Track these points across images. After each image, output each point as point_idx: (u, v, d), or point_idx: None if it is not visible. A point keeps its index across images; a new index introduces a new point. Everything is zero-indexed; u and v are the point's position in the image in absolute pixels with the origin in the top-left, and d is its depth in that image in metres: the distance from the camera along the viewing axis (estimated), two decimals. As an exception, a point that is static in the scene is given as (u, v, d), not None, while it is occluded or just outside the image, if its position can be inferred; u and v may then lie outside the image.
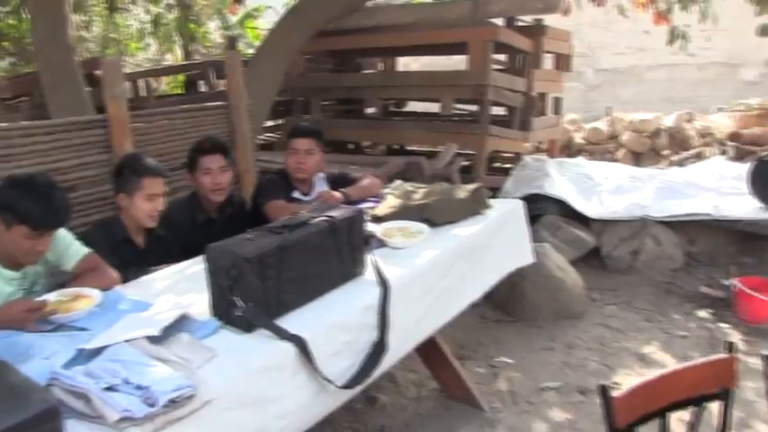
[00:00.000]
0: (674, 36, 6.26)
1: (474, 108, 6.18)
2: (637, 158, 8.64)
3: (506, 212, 3.27)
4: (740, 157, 6.63)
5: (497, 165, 6.70)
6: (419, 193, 3.16)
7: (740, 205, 5.07)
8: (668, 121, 8.94)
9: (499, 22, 6.21)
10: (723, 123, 8.73)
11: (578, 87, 13.80)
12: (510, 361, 3.80)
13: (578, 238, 5.03)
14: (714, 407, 1.84)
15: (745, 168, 5.22)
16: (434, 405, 3.38)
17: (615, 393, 1.65)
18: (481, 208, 3.11)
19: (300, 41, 5.44)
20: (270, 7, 11.13)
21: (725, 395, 1.82)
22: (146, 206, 2.80)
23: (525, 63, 6.10)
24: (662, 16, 6.59)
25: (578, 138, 9.35)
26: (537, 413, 3.30)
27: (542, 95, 6.91)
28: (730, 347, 1.83)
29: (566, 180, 5.62)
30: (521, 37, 5.88)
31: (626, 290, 4.76)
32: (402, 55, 7.43)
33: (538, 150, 7.55)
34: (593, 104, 12.51)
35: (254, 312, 1.91)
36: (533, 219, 5.34)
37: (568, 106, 10.19)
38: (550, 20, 6.29)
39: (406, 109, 7.96)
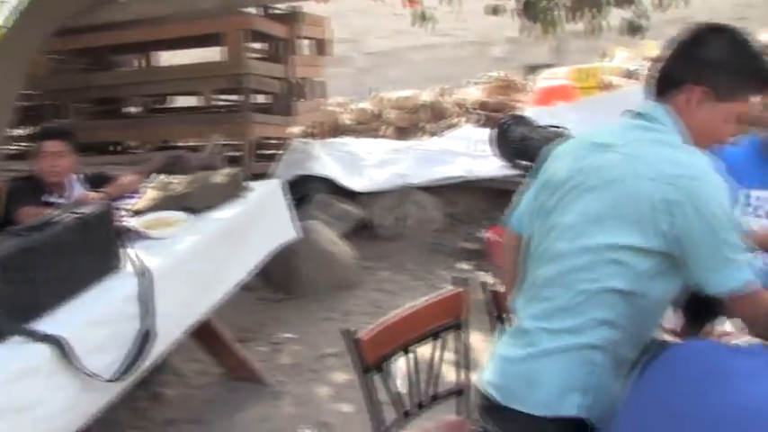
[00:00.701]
0: (419, 18, 6.65)
1: (237, 98, 6.21)
2: (402, 133, 9.14)
3: (265, 193, 3.39)
4: (487, 123, 7.28)
5: (269, 151, 6.79)
6: (178, 183, 3.18)
7: (488, 166, 5.61)
8: (427, 97, 9.56)
9: (254, 11, 6.28)
10: (474, 95, 9.50)
11: (349, 72, 14.29)
12: (292, 336, 3.95)
13: (347, 212, 5.29)
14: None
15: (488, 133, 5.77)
16: (220, 390, 3.44)
17: (360, 335, 1.82)
18: (240, 191, 3.20)
19: (39, 39, 5.12)
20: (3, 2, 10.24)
21: (458, 324, 2.08)
22: None
23: (283, 50, 6.23)
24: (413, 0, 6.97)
25: (346, 119, 9.70)
26: (320, 379, 3.48)
27: (305, 80, 7.10)
28: (458, 282, 2.10)
29: (332, 159, 5.87)
30: (276, 24, 6.00)
31: (396, 255, 5.10)
32: (158, 50, 7.23)
33: (309, 134, 7.73)
34: (364, 87, 13.01)
35: (1, 319, 1.86)
36: (305, 198, 5.55)
37: (341, 90, 10.48)
38: (314, 8, 6.46)
39: (173, 105, 7.78)
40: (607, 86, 6.90)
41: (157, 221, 2.78)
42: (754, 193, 2.40)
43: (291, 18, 6.29)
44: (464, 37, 14.24)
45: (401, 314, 1.98)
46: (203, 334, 3.43)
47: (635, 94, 5.97)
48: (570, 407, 1.51)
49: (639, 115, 1.59)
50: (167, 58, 7.95)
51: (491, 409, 1.60)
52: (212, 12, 5.54)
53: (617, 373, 1.53)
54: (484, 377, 1.65)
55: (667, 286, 1.52)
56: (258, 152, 6.77)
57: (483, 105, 7.82)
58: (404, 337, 1.97)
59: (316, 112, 7.28)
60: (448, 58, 14.42)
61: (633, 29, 5.35)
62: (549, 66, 10.63)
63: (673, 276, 1.51)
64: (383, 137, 8.65)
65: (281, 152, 6.18)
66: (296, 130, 7.74)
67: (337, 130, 9.29)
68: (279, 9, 6.44)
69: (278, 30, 6.02)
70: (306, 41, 7.17)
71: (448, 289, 2.11)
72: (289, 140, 6.33)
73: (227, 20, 5.46)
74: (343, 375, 3.45)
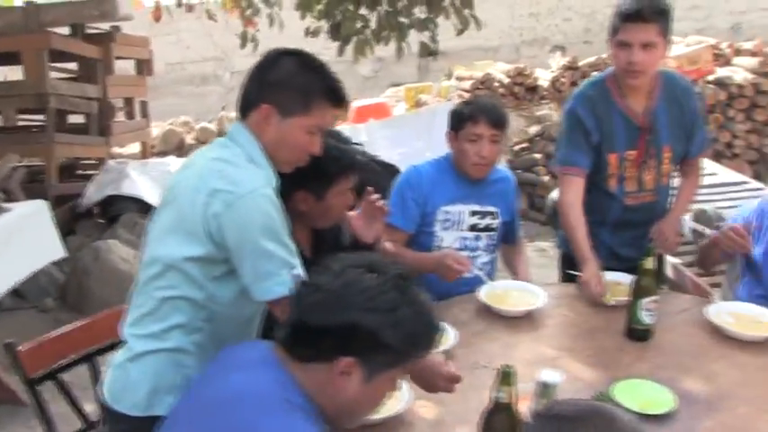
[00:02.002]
0: (246, 40, 6.76)
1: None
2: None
3: (27, 213, 3.43)
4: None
5: (89, 172, 6.69)
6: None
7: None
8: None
9: (67, 30, 6.21)
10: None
11: (217, 90, 14.22)
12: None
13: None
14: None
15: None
16: (-22, 414, 3.42)
17: (21, 348, 1.92)
18: (-9, 212, 3.22)
19: None
20: None
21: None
22: None
23: (96, 70, 6.17)
24: (249, 21, 7.09)
25: (190, 138, 9.68)
26: (87, 396, 3.50)
27: (129, 100, 7.08)
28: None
29: (146, 179, 5.86)
30: (83, 44, 5.94)
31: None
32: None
33: (147, 154, 7.62)
34: (231, 106, 12.96)
35: None
36: (115, 218, 5.55)
37: (208, 109, 10.31)
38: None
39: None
40: (421, 105, 7.25)
41: None
42: (443, 209, 2.66)
43: (105, 38, 6.26)
44: (332, 56, 14.41)
45: (77, 325, 2.10)
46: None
47: (437, 111, 6.42)
48: (164, 407, 1.63)
49: (227, 135, 1.76)
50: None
51: (106, 410, 1.74)
52: (9, 29, 5.44)
53: None
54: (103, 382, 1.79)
55: (237, 288, 1.68)
56: (77, 173, 6.69)
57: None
58: (82, 347, 2.09)
59: (142, 131, 7.24)
60: (320, 78, 14.57)
61: (429, 52, 5.67)
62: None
63: (239, 278, 1.67)
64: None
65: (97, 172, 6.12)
66: (130, 150, 7.66)
67: (182, 148, 9.26)
68: (93, 29, 6.39)
69: (85, 49, 5.96)
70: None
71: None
72: (105, 161, 6.28)
73: (26, 38, 5.37)
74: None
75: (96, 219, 5.84)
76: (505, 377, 1.41)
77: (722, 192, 4.39)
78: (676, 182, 2.75)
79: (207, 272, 1.65)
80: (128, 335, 1.74)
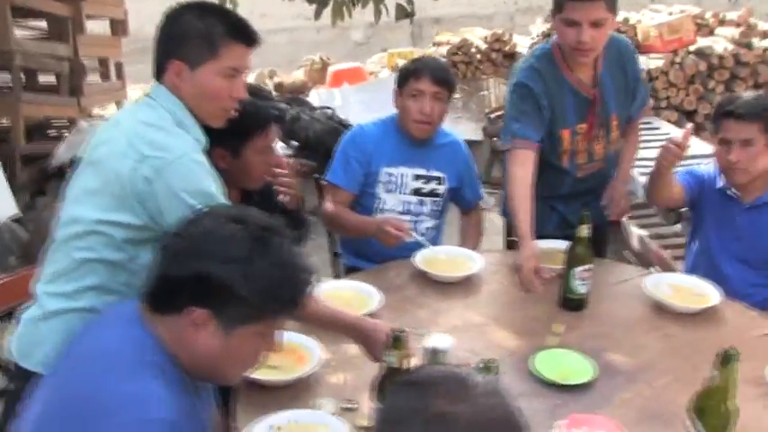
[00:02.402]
0: (225, 2, 6.62)
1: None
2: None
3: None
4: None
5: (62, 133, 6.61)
6: None
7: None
8: (250, 79, 9.59)
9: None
10: (298, 78, 9.61)
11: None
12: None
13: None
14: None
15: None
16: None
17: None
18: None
19: None
20: None
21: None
22: None
23: (67, 29, 6.05)
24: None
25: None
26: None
27: (104, 62, 6.96)
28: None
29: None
30: (49, 1, 5.81)
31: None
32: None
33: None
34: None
35: None
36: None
37: None
38: None
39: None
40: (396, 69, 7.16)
41: None
42: (386, 170, 2.62)
43: (75, -5, 6.12)
44: (324, 21, 14.18)
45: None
46: None
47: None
48: None
49: (148, 95, 1.72)
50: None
51: (14, 366, 1.72)
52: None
53: None
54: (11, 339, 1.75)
55: None
56: (49, 133, 6.61)
57: (278, 87, 7.95)
58: (5, 302, 2.06)
59: (117, 92, 7.13)
60: (308, 42, 14.40)
61: (406, 14, 5.57)
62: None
63: None
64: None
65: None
66: (110, 112, 7.57)
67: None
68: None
69: (53, 7, 5.82)
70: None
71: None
72: (77, 121, 6.18)
73: (-11, -5, 5.24)
74: None
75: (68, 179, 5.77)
76: (396, 341, 1.38)
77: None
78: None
79: (131, 236, 1.63)
80: (40, 292, 1.72)
